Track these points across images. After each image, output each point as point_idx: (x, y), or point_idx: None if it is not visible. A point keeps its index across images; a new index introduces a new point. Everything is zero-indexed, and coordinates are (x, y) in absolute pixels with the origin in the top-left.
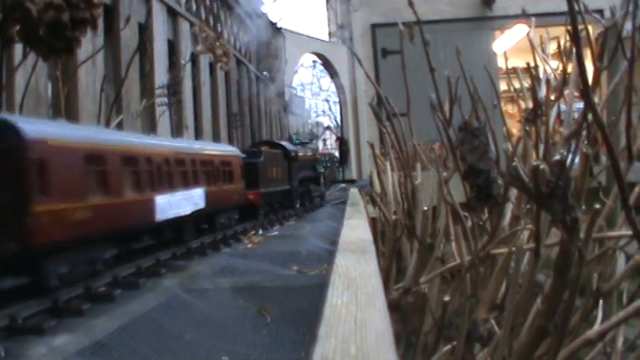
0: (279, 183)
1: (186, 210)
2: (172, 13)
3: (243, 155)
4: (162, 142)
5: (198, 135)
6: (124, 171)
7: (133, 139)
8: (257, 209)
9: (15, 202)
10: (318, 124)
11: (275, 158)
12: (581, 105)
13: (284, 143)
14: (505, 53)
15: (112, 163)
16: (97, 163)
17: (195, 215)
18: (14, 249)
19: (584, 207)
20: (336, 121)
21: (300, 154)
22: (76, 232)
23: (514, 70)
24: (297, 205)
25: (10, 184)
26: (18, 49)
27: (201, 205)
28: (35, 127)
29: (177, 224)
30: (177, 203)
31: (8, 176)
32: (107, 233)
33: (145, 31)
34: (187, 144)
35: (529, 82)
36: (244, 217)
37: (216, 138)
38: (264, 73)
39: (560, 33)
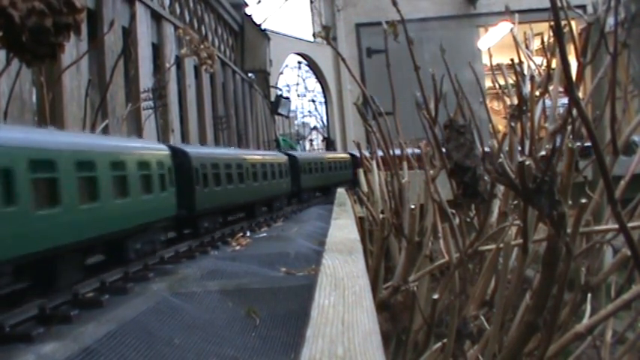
0: None
1: None
2: (156, 17)
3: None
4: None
5: (184, 138)
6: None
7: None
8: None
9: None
10: (304, 124)
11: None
12: (565, 100)
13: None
14: (489, 50)
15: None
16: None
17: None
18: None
19: (570, 202)
20: (322, 121)
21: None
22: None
23: (498, 66)
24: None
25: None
26: (1, 55)
27: None
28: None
29: None
30: None
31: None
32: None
33: (129, 35)
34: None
35: (514, 78)
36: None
37: (202, 141)
38: (250, 74)
39: (543, 29)
